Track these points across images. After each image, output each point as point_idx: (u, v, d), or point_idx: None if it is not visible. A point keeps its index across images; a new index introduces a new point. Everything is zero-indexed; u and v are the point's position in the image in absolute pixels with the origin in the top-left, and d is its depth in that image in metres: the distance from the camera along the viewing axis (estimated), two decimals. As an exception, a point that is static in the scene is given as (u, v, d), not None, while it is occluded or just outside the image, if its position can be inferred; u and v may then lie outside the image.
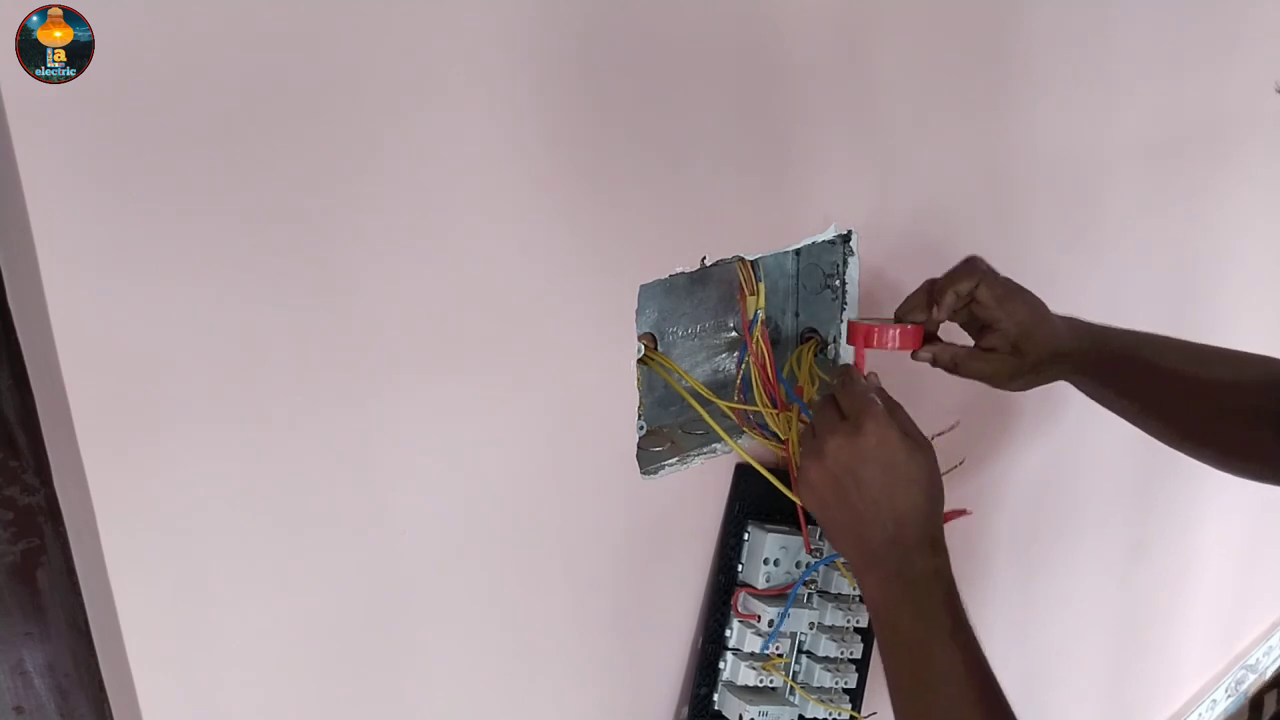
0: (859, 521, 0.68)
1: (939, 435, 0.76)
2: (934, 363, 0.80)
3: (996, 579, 1.19)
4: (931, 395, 0.85)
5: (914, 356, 0.80)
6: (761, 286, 0.83)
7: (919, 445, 0.69)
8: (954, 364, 0.80)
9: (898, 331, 0.78)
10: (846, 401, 0.71)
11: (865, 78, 0.83)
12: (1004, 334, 0.79)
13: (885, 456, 0.68)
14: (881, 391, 0.72)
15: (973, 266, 0.79)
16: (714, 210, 0.76)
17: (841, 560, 0.84)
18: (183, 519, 0.57)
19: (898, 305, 0.80)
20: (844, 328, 0.87)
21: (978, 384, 0.82)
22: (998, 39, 0.94)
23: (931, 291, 0.78)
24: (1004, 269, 0.89)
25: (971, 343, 0.81)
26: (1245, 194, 1.33)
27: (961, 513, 0.77)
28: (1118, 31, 1.06)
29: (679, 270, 0.75)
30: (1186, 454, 0.85)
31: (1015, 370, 0.81)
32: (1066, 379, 0.83)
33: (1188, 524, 1.50)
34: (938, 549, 0.68)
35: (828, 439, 0.69)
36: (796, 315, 0.91)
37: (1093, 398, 0.85)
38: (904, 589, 0.67)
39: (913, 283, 0.84)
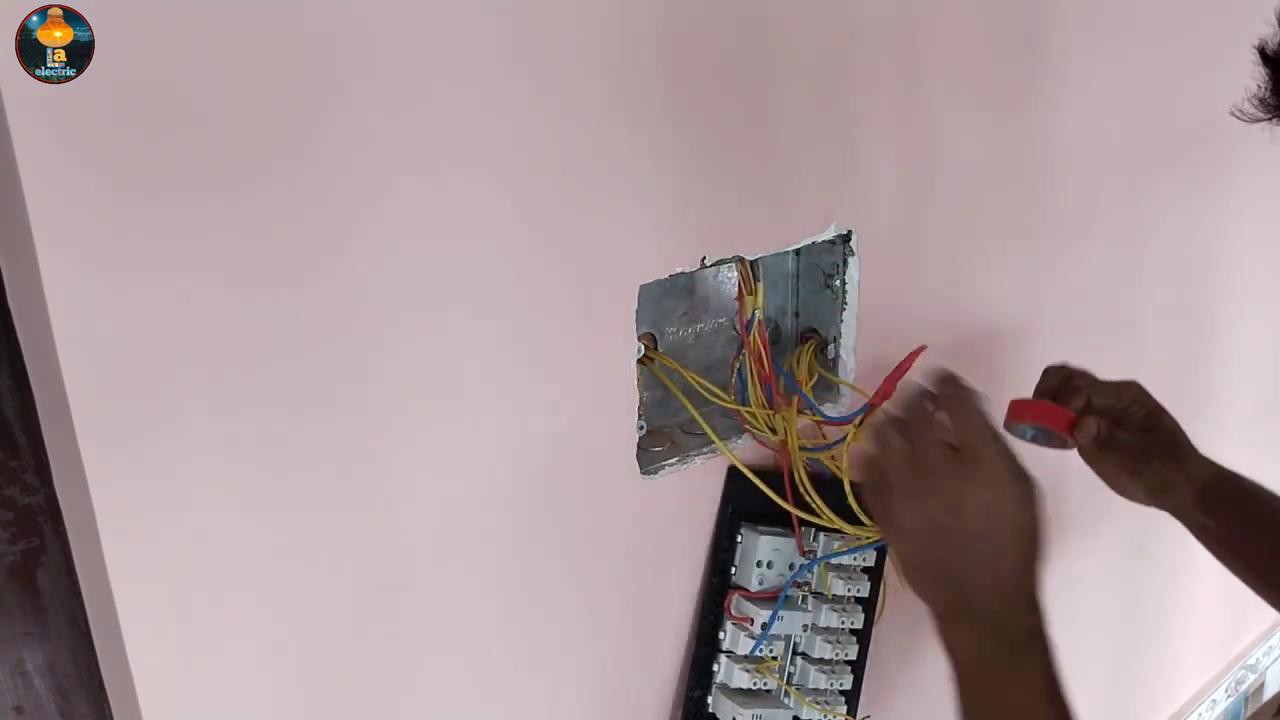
0: (958, 569, 0.63)
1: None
2: (1095, 438, 0.79)
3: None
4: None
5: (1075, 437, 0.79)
6: (760, 286, 0.83)
7: (1028, 487, 0.64)
8: (1104, 435, 0.79)
9: (1056, 410, 0.78)
10: (962, 428, 0.64)
11: (866, 77, 0.83)
12: (1134, 411, 0.80)
13: (996, 501, 0.62)
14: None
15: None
16: (714, 210, 0.76)
17: (833, 561, 0.84)
18: (183, 518, 0.57)
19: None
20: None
21: (973, 363, 0.80)
22: (1003, 39, 0.94)
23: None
24: (1008, 268, 0.89)
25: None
26: (1252, 193, 1.33)
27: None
28: (1127, 29, 1.06)
29: (679, 270, 0.75)
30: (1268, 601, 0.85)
31: (1153, 451, 0.81)
32: (1182, 503, 0.83)
33: (1188, 524, 1.50)
34: (1036, 606, 0.64)
35: (937, 475, 0.63)
36: (796, 315, 0.91)
37: (1185, 517, 0.85)
38: (1001, 645, 0.62)
39: (913, 282, 0.84)
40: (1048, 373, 0.82)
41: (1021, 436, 0.79)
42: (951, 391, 0.66)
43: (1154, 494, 0.83)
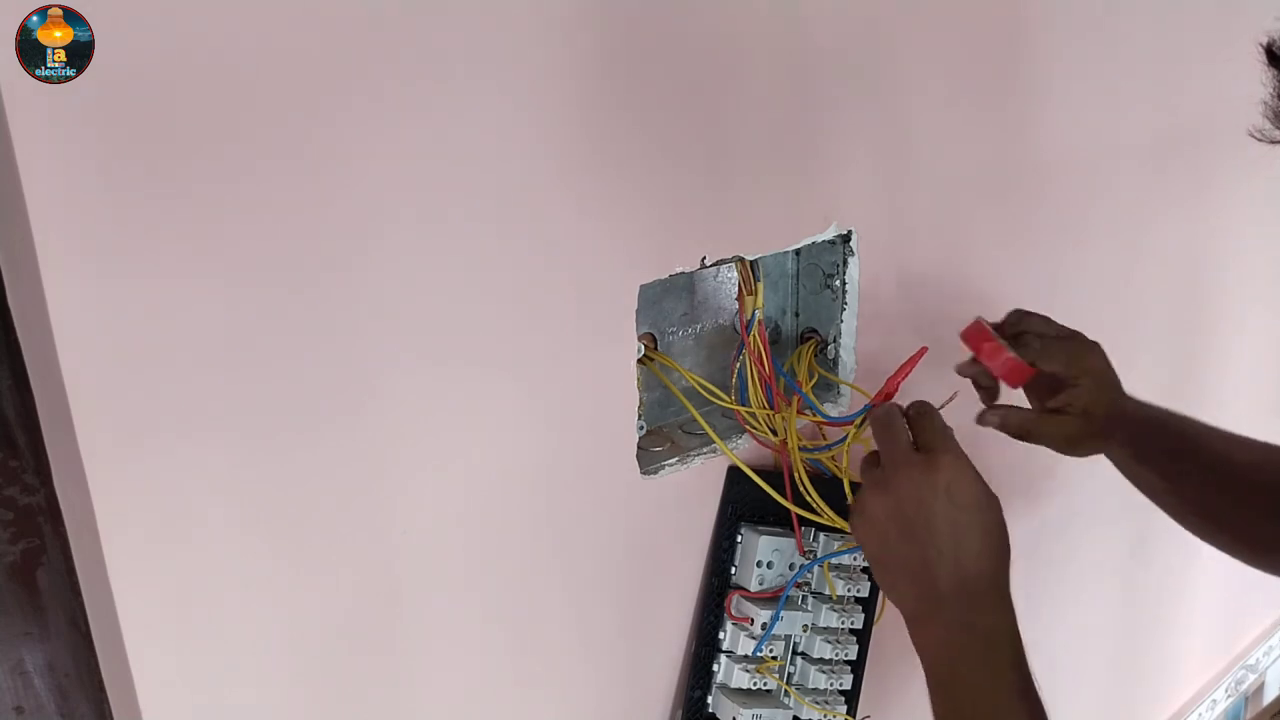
0: (924, 563, 0.63)
1: (939, 409, 0.76)
2: (1001, 427, 0.77)
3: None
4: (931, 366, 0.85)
5: (980, 420, 0.78)
6: (760, 286, 0.83)
7: (991, 493, 0.65)
8: (1024, 430, 0.78)
9: (1007, 359, 0.76)
10: (922, 432, 0.66)
11: (865, 77, 0.83)
12: (1076, 392, 0.77)
13: (960, 496, 0.63)
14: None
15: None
16: (714, 210, 0.76)
17: (833, 561, 0.84)
18: (183, 518, 0.57)
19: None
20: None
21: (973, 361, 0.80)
22: (1003, 39, 0.94)
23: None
24: (1007, 269, 0.89)
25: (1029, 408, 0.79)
26: (1249, 187, 1.33)
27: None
28: (1124, 29, 1.06)
29: (679, 270, 0.75)
30: (1200, 537, 0.85)
31: (1082, 433, 0.78)
32: (1111, 450, 0.81)
33: (1188, 524, 1.50)
34: (1005, 604, 0.63)
35: (899, 470, 0.64)
36: (796, 315, 0.91)
37: (1120, 466, 0.85)
38: (971, 641, 0.62)
39: (913, 282, 0.83)
40: (1015, 314, 0.80)
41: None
42: (917, 406, 0.69)
43: (1092, 451, 0.83)
